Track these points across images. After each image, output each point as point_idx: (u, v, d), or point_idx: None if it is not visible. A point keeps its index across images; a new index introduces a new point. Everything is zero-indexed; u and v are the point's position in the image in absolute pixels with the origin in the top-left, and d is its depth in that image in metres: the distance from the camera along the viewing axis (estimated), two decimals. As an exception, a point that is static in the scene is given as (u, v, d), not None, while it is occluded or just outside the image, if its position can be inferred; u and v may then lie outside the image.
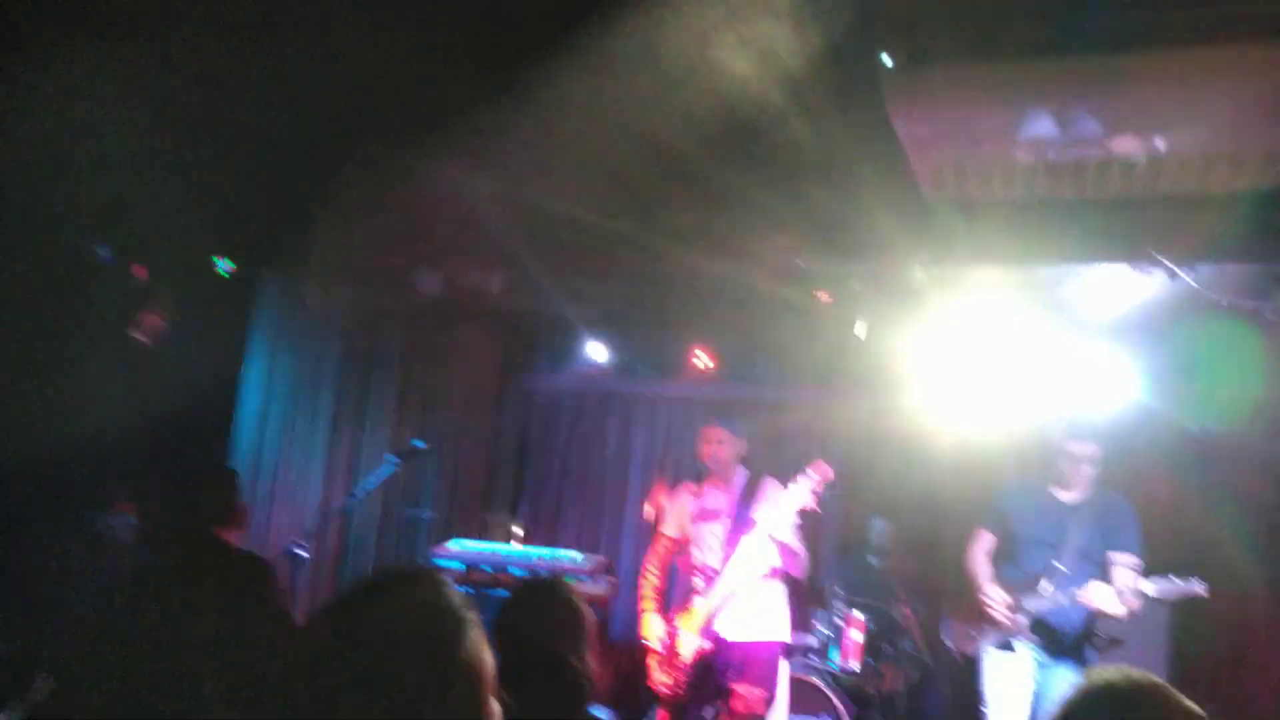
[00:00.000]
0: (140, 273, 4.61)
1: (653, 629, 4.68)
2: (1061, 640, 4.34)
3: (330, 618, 1.39)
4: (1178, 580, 4.02)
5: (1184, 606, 5.37)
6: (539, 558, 5.62)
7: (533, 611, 2.59)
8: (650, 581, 4.92)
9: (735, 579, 4.49)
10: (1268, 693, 4.38)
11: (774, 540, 4.43)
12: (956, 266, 4.22)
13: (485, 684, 1.38)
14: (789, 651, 5.41)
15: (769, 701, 4.53)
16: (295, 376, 5.58)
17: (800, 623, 5.71)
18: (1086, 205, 3.85)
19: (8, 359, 4.19)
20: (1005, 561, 4.54)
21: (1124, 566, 4.24)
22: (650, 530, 7.27)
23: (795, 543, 4.47)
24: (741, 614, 4.57)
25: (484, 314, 6.84)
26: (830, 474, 4.43)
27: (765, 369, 7.17)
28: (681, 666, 4.52)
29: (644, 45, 3.14)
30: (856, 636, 5.88)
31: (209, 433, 5.19)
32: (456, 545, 5.83)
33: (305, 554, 5.17)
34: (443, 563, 5.54)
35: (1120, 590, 4.08)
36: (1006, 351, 4.59)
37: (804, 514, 4.48)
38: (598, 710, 2.59)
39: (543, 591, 2.81)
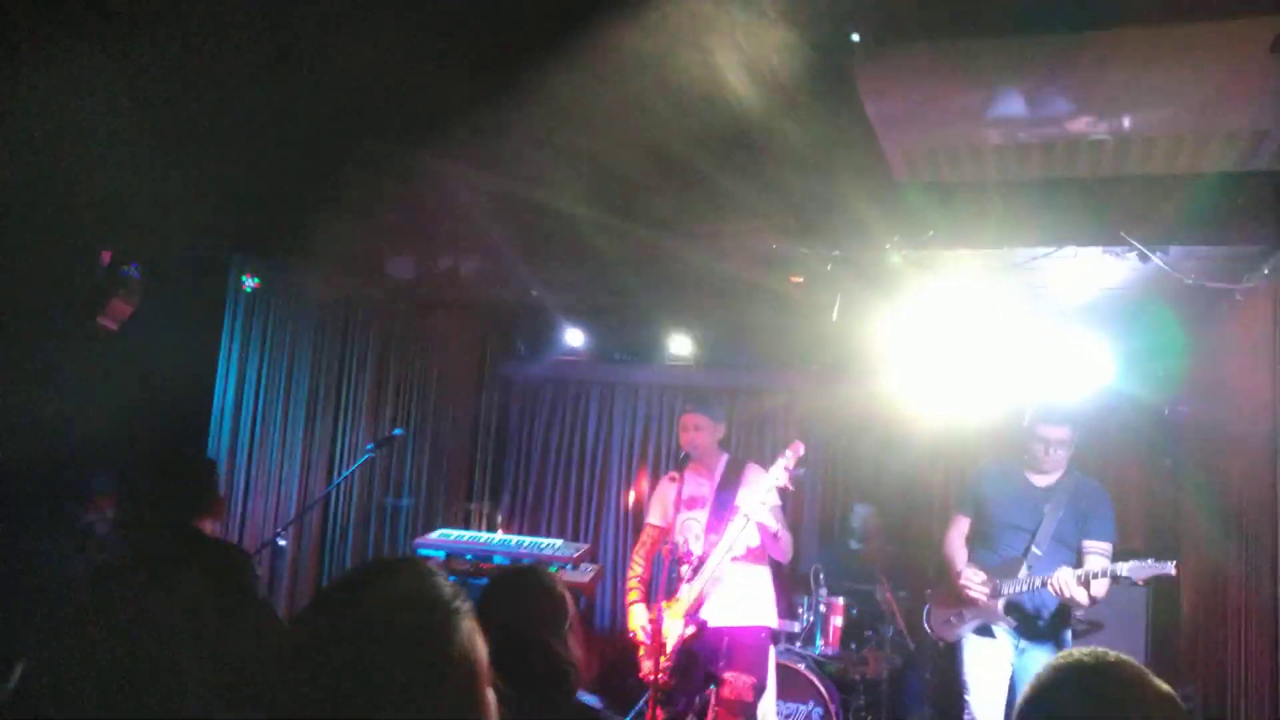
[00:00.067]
0: (105, 257, 4.57)
1: (638, 619, 4.69)
2: (1037, 623, 4.39)
3: (320, 610, 1.38)
4: (1149, 561, 4.07)
5: (1161, 588, 5.45)
6: (521, 546, 5.63)
7: (512, 598, 2.60)
8: (635, 571, 4.93)
9: (720, 565, 4.51)
10: (1246, 671, 4.45)
11: (757, 525, 4.45)
12: (931, 250, 4.24)
13: (480, 674, 1.37)
14: (775, 638, 5.46)
15: (758, 688, 4.54)
16: (271, 365, 5.56)
17: (785, 609, 5.75)
18: (1059, 188, 3.87)
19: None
20: (981, 546, 4.57)
21: (1095, 554, 4.28)
22: (631, 517, 7.34)
23: (778, 526, 4.49)
24: (728, 599, 4.59)
25: (461, 301, 6.83)
26: (801, 450, 4.45)
27: (744, 354, 7.21)
28: (669, 655, 4.53)
29: (618, 35, 3.13)
30: (839, 622, 5.93)
31: (185, 423, 5.16)
32: (438, 534, 5.84)
33: (284, 543, 5.18)
34: (425, 552, 5.55)
35: (1086, 576, 4.12)
36: (981, 335, 4.62)
37: (783, 494, 4.52)
38: (585, 697, 2.60)
39: (522, 578, 2.82)
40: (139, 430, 4.38)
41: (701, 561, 4.57)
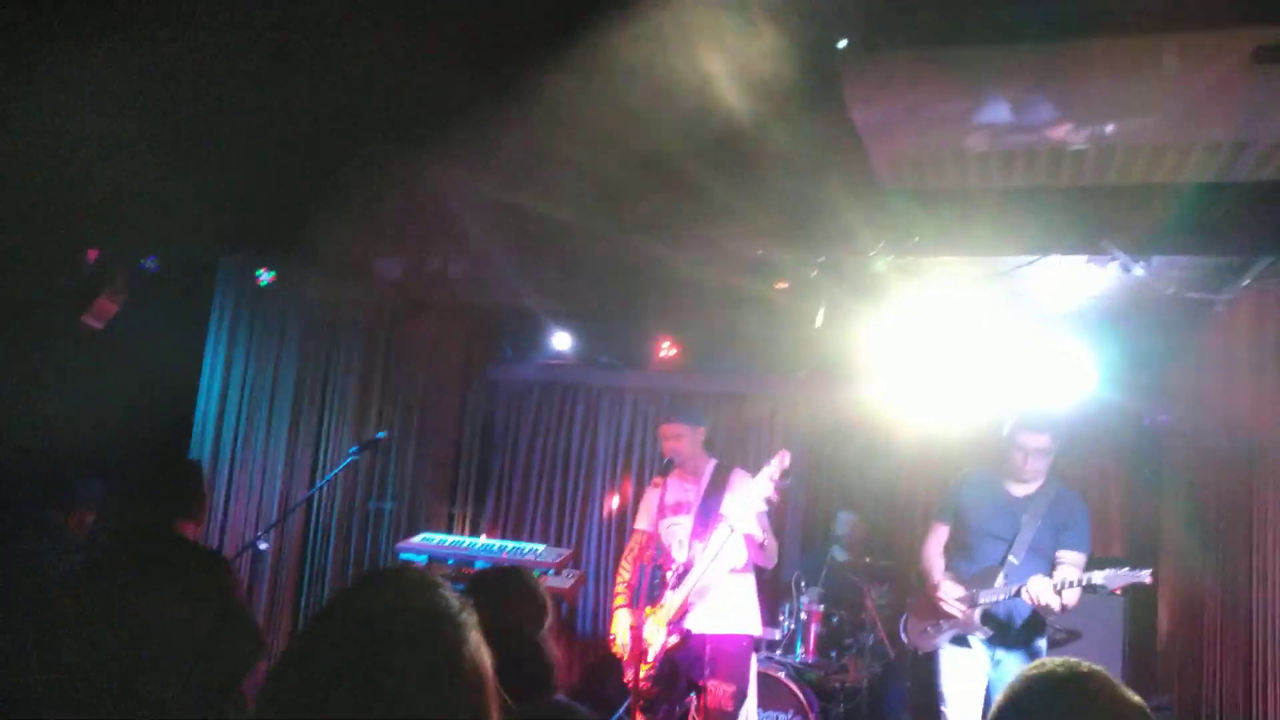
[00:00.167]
0: (91, 255, 4.55)
1: (621, 625, 4.68)
2: (1010, 631, 4.40)
3: (329, 620, 1.36)
4: (1124, 570, 4.09)
5: (1139, 598, 5.48)
6: (503, 551, 5.62)
7: (495, 597, 2.60)
8: (623, 577, 4.93)
9: (704, 572, 4.50)
10: (1223, 680, 4.48)
11: (741, 532, 4.46)
12: (916, 257, 4.26)
13: (488, 686, 1.36)
14: (756, 645, 5.46)
15: (739, 696, 4.54)
16: (257, 367, 5.54)
17: (767, 617, 5.75)
18: (1043, 196, 3.90)
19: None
20: (959, 555, 4.58)
21: (1068, 564, 4.29)
22: (615, 522, 7.33)
23: (762, 534, 4.49)
24: (711, 607, 4.59)
25: (448, 303, 6.82)
26: (788, 459, 4.46)
27: (729, 360, 7.21)
28: (652, 664, 4.53)
29: (607, 41, 3.15)
30: (820, 630, 5.93)
31: (170, 424, 5.14)
32: (421, 538, 5.82)
33: (265, 546, 5.16)
34: (407, 555, 5.53)
35: (1060, 584, 4.14)
36: (965, 342, 4.65)
37: (769, 503, 4.52)
38: (563, 699, 2.60)
39: (505, 578, 2.83)
40: (124, 432, 4.36)
41: (686, 569, 4.57)
